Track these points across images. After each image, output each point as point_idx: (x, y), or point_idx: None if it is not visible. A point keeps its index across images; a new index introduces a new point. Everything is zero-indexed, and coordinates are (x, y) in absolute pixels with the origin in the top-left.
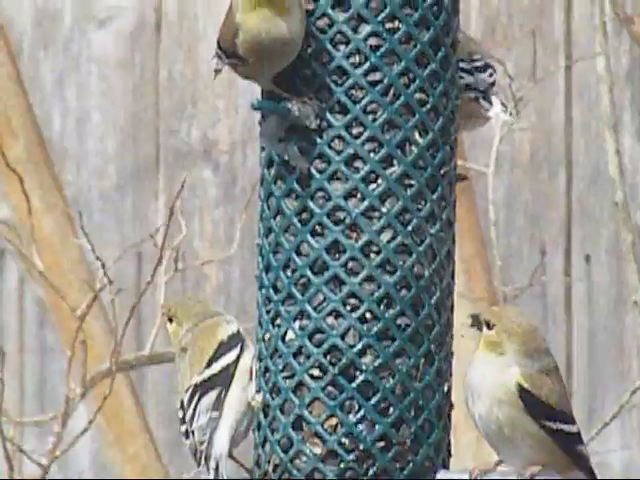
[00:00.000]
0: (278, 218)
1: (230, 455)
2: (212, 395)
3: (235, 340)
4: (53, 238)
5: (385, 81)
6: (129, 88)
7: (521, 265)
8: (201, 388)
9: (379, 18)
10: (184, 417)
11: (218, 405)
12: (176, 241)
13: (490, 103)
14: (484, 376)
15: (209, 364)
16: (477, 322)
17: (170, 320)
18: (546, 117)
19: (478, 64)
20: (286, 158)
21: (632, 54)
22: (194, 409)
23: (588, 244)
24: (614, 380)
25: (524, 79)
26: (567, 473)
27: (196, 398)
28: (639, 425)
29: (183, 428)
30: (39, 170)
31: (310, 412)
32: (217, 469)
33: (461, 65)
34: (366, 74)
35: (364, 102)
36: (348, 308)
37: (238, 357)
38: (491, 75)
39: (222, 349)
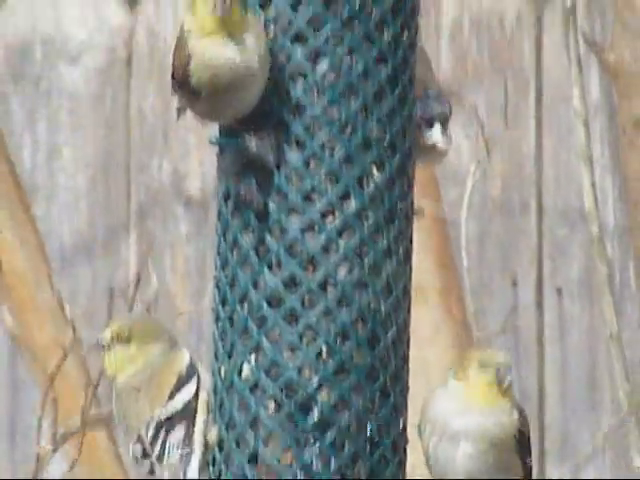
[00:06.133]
0: (235, 251)
1: None
2: (180, 431)
3: (191, 371)
4: (27, 275)
5: (343, 117)
6: (100, 123)
7: (493, 298)
8: (167, 424)
9: (337, 51)
10: (145, 451)
11: (188, 441)
12: (146, 294)
13: (431, 128)
14: (484, 419)
15: (171, 396)
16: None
17: (123, 341)
18: (516, 150)
19: (430, 93)
20: (242, 192)
21: (601, 87)
22: (162, 446)
23: (560, 277)
24: (587, 413)
25: (495, 116)
26: None
27: (162, 434)
28: (613, 462)
29: (146, 463)
30: (11, 203)
31: (265, 447)
32: None
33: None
34: (324, 109)
35: (322, 138)
36: (305, 342)
37: (197, 389)
38: (442, 107)
39: (180, 381)
